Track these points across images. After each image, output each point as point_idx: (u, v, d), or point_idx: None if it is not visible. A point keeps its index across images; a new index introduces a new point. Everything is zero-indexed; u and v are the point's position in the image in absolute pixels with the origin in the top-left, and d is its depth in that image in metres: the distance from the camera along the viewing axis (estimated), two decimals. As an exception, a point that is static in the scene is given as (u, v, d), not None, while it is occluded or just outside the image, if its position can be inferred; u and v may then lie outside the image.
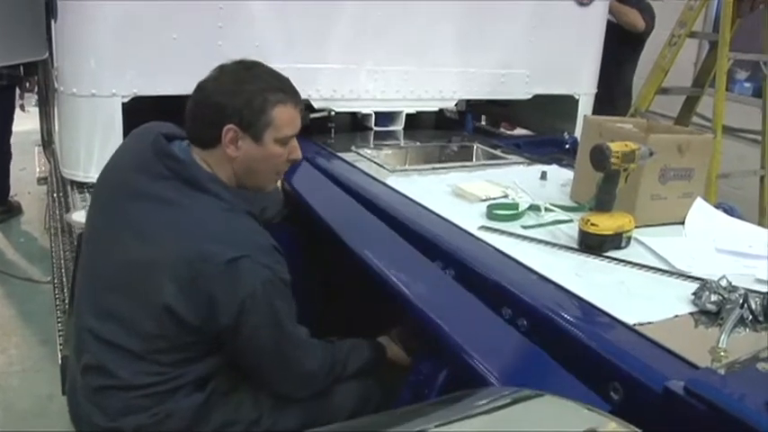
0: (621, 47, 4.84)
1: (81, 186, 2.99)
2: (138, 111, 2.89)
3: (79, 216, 2.62)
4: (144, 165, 1.85)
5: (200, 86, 1.89)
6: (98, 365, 1.78)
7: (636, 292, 1.83)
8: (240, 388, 1.89)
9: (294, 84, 3.08)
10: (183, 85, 2.86)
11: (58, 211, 3.97)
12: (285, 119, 1.90)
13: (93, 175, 2.91)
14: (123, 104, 2.87)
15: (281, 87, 1.91)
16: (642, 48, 5.29)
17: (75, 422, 1.91)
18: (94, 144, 2.92)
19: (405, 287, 1.93)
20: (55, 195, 4.19)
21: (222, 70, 1.89)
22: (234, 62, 1.92)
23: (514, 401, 1.22)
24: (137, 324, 1.74)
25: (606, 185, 2.07)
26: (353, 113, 3.48)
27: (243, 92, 1.85)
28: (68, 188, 3.09)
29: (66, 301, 2.79)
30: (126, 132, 2.86)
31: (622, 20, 4.88)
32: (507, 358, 1.69)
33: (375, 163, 2.90)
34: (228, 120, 1.83)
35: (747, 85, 6.52)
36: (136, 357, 1.75)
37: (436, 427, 1.14)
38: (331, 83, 3.27)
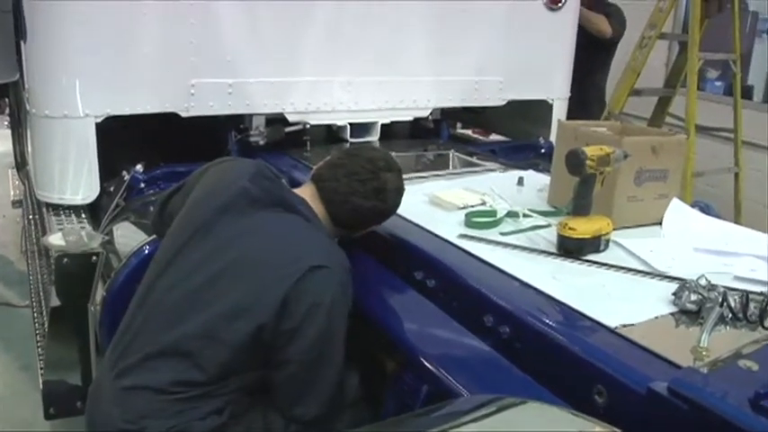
0: (592, 52, 4.87)
1: (57, 208, 2.96)
2: (111, 130, 2.88)
3: (56, 239, 2.60)
4: (238, 186, 1.96)
5: (374, 191, 2.07)
6: (141, 367, 1.80)
7: (616, 295, 1.84)
8: (251, 410, 1.88)
9: (267, 97, 3.12)
10: (156, 103, 2.91)
11: (34, 234, 3.93)
12: None
13: (68, 197, 2.91)
14: (97, 125, 2.85)
15: None
16: (614, 52, 5.33)
17: (91, 425, 1.91)
18: (69, 165, 2.88)
19: (382, 311, 1.99)
20: (30, 218, 4.14)
21: (390, 175, 2.11)
22: (385, 159, 2.15)
23: (500, 409, 1.23)
24: (198, 327, 1.79)
25: (583, 189, 2.08)
26: (329, 126, 3.48)
27: (399, 204, 2.18)
28: (44, 210, 3.06)
29: (46, 325, 2.76)
30: (100, 153, 2.86)
31: (589, 27, 4.90)
32: (483, 377, 1.69)
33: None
34: (377, 224, 2.19)
35: (719, 83, 6.59)
36: (180, 362, 1.78)
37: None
38: (305, 96, 3.26)
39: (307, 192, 2.07)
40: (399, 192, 2.15)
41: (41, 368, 2.72)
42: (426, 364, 1.72)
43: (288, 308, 1.75)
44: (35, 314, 3.34)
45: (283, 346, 1.78)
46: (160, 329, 1.83)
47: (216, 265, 1.85)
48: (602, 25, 5.00)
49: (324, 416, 1.86)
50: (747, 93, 6.03)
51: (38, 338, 3.10)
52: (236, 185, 1.97)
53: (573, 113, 3.99)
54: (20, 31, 3.07)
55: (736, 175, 5.37)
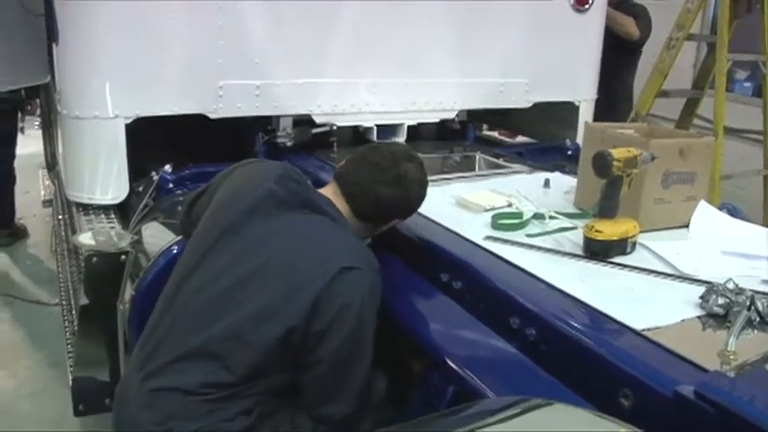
0: (619, 54, 4.84)
1: (86, 208, 3.00)
2: (141, 131, 2.91)
3: (86, 238, 2.63)
4: (264, 188, 1.98)
5: (397, 179, 2.09)
6: (169, 369, 1.81)
7: (643, 298, 1.84)
8: (279, 411, 1.89)
9: (294, 99, 3.13)
10: (185, 105, 2.94)
11: (63, 233, 3.98)
12: None
13: (97, 197, 2.95)
14: (126, 126, 2.88)
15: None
16: (640, 53, 5.29)
17: (117, 427, 1.93)
18: (98, 166, 2.92)
19: (407, 313, 2.01)
20: (60, 217, 4.19)
21: (411, 166, 2.12)
22: (405, 149, 2.21)
23: (526, 410, 1.23)
24: (227, 329, 1.80)
25: (609, 192, 2.08)
26: (355, 127, 3.49)
27: (422, 197, 2.18)
28: (74, 210, 3.10)
29: (75, 323, 2.79)
30: (129, 153, 2.90)
31: (617, 28, 4.87)
32: (509, 378, 1.71)
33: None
34: (403, 216, 2.17)
35: (747, 84, 6.53)
36: (209, 363, 1.79)
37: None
38: (332, 97, 3.28)
39: (329, 190, 2.09)
40: (422, 183, 2.16)
41: (71, 366, 2.76)
42: (452, 365, 1.73)
43: (318, 309, 1.76)
44: (65, 312, 3.38)
45: (314, 348, 1.79)
46: (188, 332, 1.84)
47: (244, 268, 1.86)
48: (630, 27, 4.97)
49: (352, 415, 1.86)
50: (777, 94, 5.97)
51: (67, 336, 3.14)
52: (262, 187, 1.98)
53: (601, 115, 3.98)
54: (51, 34, 3.11)
55: (765, 177, 5.32)
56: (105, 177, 2.94)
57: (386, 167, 2.08)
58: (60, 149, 3.47)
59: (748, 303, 1.66)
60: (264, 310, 1.79)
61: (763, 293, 1.76)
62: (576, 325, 1.68)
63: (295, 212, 1.95)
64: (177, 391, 1.78)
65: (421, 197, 2.18)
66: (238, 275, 1.85)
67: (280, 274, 1.83)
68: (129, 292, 2.51)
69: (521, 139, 4.54)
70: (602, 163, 2.03)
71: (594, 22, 3.85)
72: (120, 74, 2.85)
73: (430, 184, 2.21)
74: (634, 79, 5.39)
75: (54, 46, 3.08)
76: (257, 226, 1.93)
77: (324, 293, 1.77)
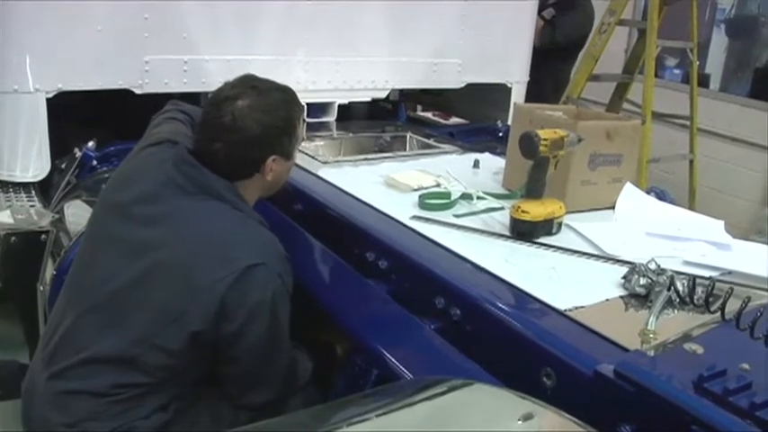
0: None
1: (6, 185, 2.90)
2: (64, 105, 2.83)
3: (4, 216, 2.55)
4: (162, 174, 1.84)
5: (229, 126, 1.84)
6: (78, 370, 1.73)
7: (567, 278, 1.85)
8: (198, 402, 1.85)
9: (223, 75, 3.05)
10: (109, 79, 2.86)
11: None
12: (302, 129, 2.04)
13: (18, 174, 2.85)
14: (48, 100, 2.79)
15: (295, 100, 2.03)
16: (572, 53, 5.39)
17: (27, 425, 1.84)
18: (19, 142, 2.82)
19: (329, 298, 1.99)
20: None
21: (241, 103, 1.87)
22: (240, 86, 1.94)
23: (448, 390, 1.23)
24: (134, 333, 1.71)
25: (536, 172, 2.09)
26: (285, 105, 3.44)
27: (279, 122, 1.91)
28: (-8, 186, 3.00)
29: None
30: (51, 129, 2.81)
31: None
32: (432, 362, 1.70)
33: (307, 155, 2.84)
34: (271, 152, 1.90)
35: (677, 71, 6.64)
36: (120, 366, 1.71)
37: (377, 416, 1.14)
38: (261, 74, 3.21)
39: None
40: (261, 110, 1.88)
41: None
42: (375, 348, 1.72)
43: (226, 312, 1.69)
44: (-17, 292, 3.28)
45: (229, 346, 1.74)
46: (92, 332, 1.75)
47: (142, 264, 1.74)
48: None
49: (275, 400, 1.84)
50: (704, 81, 6.09)
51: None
52: (159, 173, 1.84)
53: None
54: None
55: (691, 161, 5.43)
56: (26, 153, 2.85)
57: (213, 120, 1.87)
58: (-21, 124, 3.35)
59: (668, 284, 1.69)
60: (169, 312, 1.70)
61: (684, 274, 1.78)
62: (500, 305, 1.69)
63: (194, 200, 1.80)
64: (86, 393, 1.71)
65: (266, 125, 1.88)
66: (137, 272, 1.74)
67: (181, 273, 1.72)
68: (50, 272, 2.44)
69: (454, 120, 4.54)
70: (528, 144, 2.04)
71: (527, 5, 3.87)
72: (42, 46, 2.75)
73: (359, 163, 2.18)
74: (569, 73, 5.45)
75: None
76: (156, 216, 1.80)
77: (230, 296, 1.68)
